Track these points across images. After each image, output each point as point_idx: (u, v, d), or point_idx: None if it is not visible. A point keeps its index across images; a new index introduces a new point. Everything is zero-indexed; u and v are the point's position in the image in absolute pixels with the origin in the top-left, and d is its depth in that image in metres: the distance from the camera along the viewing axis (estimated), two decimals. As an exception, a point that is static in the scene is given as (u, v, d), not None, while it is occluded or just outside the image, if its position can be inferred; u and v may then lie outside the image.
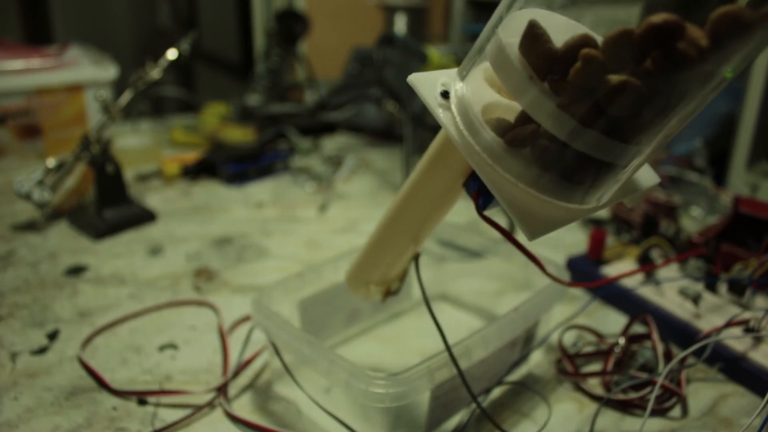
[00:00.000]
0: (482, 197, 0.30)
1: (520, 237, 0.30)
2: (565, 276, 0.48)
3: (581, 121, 0.25)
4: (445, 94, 0.29)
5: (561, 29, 0.25)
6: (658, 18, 0.22)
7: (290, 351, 0.41)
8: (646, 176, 0.33)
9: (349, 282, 0.44)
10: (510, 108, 0.28)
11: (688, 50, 0.22)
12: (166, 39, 1.98)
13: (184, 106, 1.29)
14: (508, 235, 0.31)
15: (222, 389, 0.45)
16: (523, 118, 0.27)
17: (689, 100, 0.25)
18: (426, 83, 0.30)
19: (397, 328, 0.56)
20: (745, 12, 0.21)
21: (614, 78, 0.24)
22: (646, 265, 0.59)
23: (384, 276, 0.42)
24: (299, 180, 0.92)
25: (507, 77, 0.26)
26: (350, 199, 0.86)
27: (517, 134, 0.27)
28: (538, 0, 0.26)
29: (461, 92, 0.29)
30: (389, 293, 0.44)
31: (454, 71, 0.30)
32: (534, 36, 0.25)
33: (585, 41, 0.24)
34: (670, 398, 0.45)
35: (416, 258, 0.42)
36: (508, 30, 0.26)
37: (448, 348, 0.38)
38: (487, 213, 0.31)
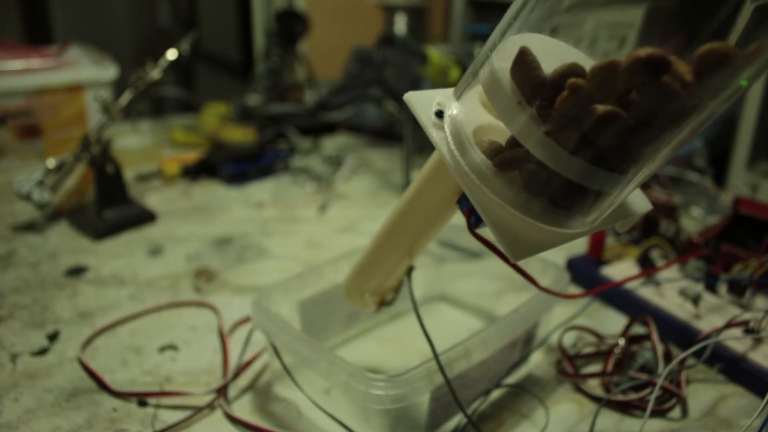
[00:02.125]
0: (474, 216, 0.31)
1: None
2: (565, 277, 0.48)
3: (568, 149, 0.25)
4: (440, 114, 0.30)
5: (553, 54, 0.25)
6: (644, 52, 0.22)
7: (290, 352, 0.41)
8: (638, 202, 0.33)
9: (346, 291, 0.44)
10: (501, 131, 0.28)
11: (672, 84, 0.22)
12: (166, 39, 1.97)
13: (184, 106, 1.29)
14: (499, 253, 0.31)
15: (222, 390, 0.45)
16: (514, 142, 0.27)
17: (675, 131, 0.25)
18: (422, 102, 0.30)
19: (397, 329, 0.56)
20: (731, 50, 0.22)
21: (600, 108, 0.24)
22: (646, 264, 0.59)
23: (379, 286, 0.43)
24: (299, 180, 0.92)
25: (497, 101, 0.26)
26: (350, 199, 0.86)
27: (505, 157, 0.27)
28: (534, 22, 0.26)
29: (455, 112, 0.29)
30: (384, 303, 0.45)
31: (450, 91, 0.31)
32: (524, 63, 0.25)
33: (573, 70, 0.24)
34: (670, 399, 0.45)
35: (409, 271, 0.42)
36: (501, 55, 0.26)
37: (437, 359, 0.38)
38: (479, 231, 0.31)
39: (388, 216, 0.39)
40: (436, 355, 0.38)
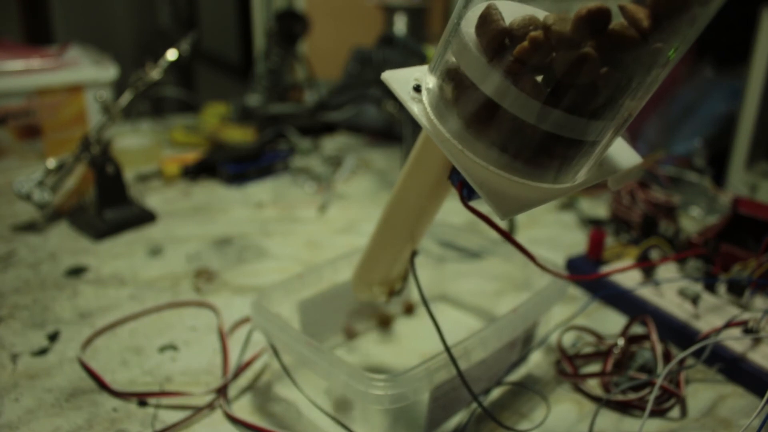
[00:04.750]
0: (466, 188, 0.31)
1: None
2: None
3: (541, 101, 0.26)
4: (418, 88, 0.31)
5: (519, 14, 0.26)
6: (584, 9, 0.23)
7: (290, 352, 0.41)
8: (626, 156, 0.34)
9: (354, 285, 0.45)
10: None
11: (627, 32, 0.23)
12: (166, 39, 1.98)
13: (184, 106, 1.29)
14: (494, 225, 0.31)
15: (222, 390, 0.45)
16: (488, 105, 0.27)
17: (644, 73, 0.25)
18: (399, 79, 0.31)
19: (396, 329, 0.56)
20: None
21: (566, 55, 0.25)
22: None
23: (385, 276, 0.43)
24: (299, 180, 0.92)
25: (468, 65, 0.27)
26: (350, 200, 0.86)
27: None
28: None
29: (431, 86, 0.30)
30: (393, 293, 0.45)
31: (425, 67, 0.32)
32: (485, 17, 0.26)
33: (533, 21, 0.25)
34: (669, 399, 0.45)
35: (413, 256, 0.42)
36: (468, 22, 0.27)
37: (446, 346, 0.38)
38: (473, 204, 0.32)
39: (386, 203, 0.39)
40: (445, 344, 0.38)
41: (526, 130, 0.27)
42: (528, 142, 0.27)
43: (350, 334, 0.53)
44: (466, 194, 0.31)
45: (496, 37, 0.26)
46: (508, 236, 0.32)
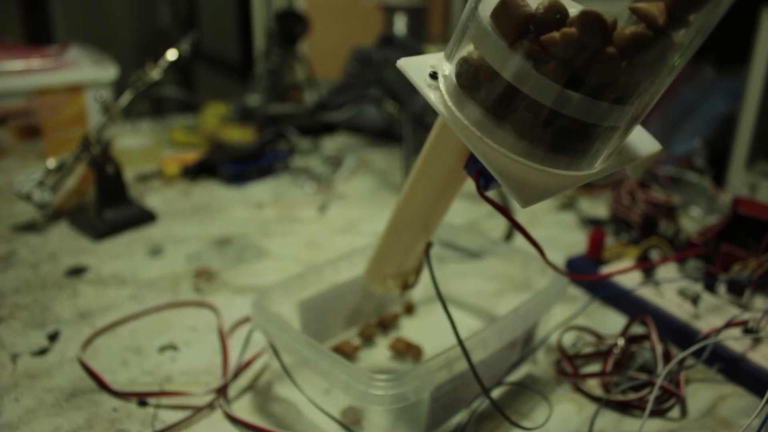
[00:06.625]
0: (483, 177, 0.31)
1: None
2: (564, 277, 0.48)
3: (563, 85, 0.25)
4: (434, 75, 0.30)
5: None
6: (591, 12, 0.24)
7: (290, 352, 0.41)
8: (646, 144, 0.33)
9: (367, 278, 0.44)
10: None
11: (645, 33, 0.24)
12: (166, 39, 1.98)
13: (184, 106, 1.29)
14: (510, 217, 0.31)
15: (222, 390, 0.45)
16: (507, 90, 0.27)
17: (664, 63, 0.25)
18: (415, 66, 0.30)
19: (396, 329, 0.56)
20: None
21: (589, 51, 0.24)
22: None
23: (399, 268, 0.43)
24: (299, 180, 0.92)
25: (487, 50, 0.27)
26: (350, 200, 0.86)
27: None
28: None
29: (448, 72, 0.30)
30: (407, 286, 0.45)
31: (441, 54, 0.31)
32: (509, 1, 0.26)
33: (557, 8, 0.25)
34: (669, 399, 0.45)
35: (428, 248, 0.42)
36: (487, 6, 0.27)
37: (458, 339, 0.38)
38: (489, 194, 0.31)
39: (400, 194, 0.39)
40: (457, 334, 0.38)
41: (546, 114, 0.26)
42: (548, 127, 0.27)
43: (365, 337, 0.53)
44: (483, 184, 0.31)
45: (521, 23, 0.25)
46: (520, 228, 0.32)
